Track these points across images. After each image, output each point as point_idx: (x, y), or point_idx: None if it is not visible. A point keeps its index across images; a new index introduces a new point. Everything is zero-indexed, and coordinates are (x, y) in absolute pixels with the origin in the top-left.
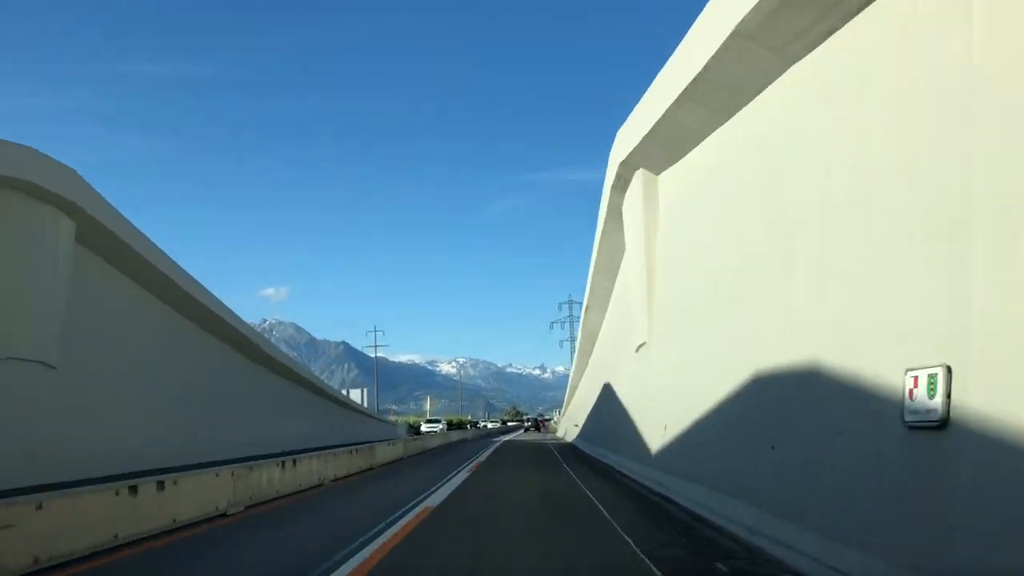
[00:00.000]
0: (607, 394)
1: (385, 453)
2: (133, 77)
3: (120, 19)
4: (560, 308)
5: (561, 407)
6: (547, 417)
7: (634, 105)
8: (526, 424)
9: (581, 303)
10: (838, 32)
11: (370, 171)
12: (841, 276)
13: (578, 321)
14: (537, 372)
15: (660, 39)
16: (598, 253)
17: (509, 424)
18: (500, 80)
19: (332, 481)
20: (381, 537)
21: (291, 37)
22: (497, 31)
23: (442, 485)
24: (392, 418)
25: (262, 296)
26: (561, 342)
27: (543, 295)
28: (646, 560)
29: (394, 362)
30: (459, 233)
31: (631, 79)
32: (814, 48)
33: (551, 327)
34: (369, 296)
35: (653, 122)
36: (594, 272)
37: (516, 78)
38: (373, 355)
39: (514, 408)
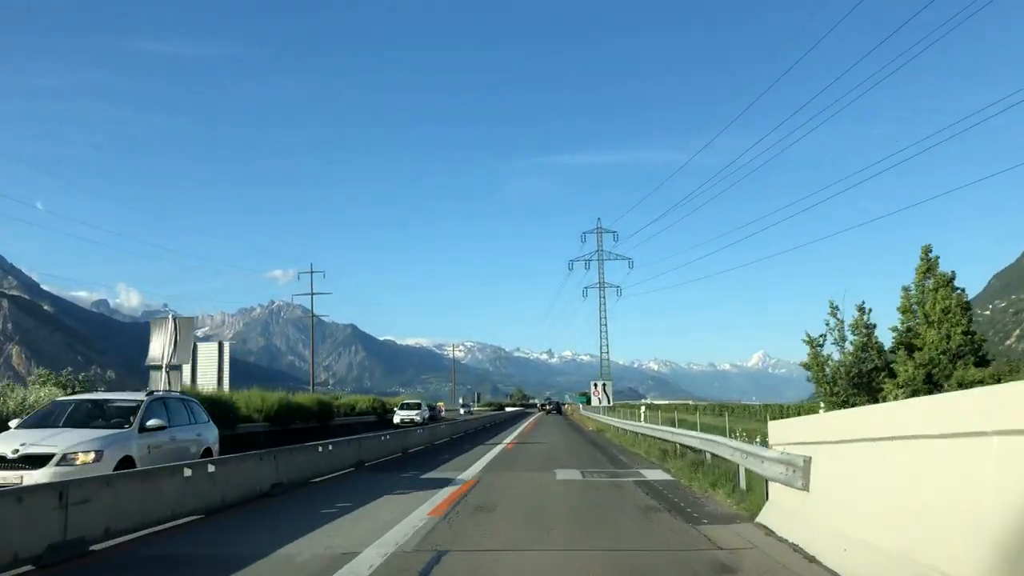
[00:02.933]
0: None
1: None
2: (141, 55)
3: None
4: (583, 240)
5: (569, 392)
6: (563, 402)
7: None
8: (547, 407)
9: (614, 231)
10: None
11: (382, 152)
12: None
13: (609, 257)
14: (545, 357)
15: (664, 30)
16: None
17: (508, 409)
18: (510, 65)
19: None
20: None
21: (299, 16)
22: (509, 12)
23: None
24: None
25: (270, 277)
26: (585, 289)
27: (552, 280)
28: None
29: (401, 345)
30: (471, 216)
31: (633, 70)
32: None
33: (570, 267)
34: (379, 279)
35: None
36: None
37: (525, 64)
38: (320, 310)
39: (520, 391)
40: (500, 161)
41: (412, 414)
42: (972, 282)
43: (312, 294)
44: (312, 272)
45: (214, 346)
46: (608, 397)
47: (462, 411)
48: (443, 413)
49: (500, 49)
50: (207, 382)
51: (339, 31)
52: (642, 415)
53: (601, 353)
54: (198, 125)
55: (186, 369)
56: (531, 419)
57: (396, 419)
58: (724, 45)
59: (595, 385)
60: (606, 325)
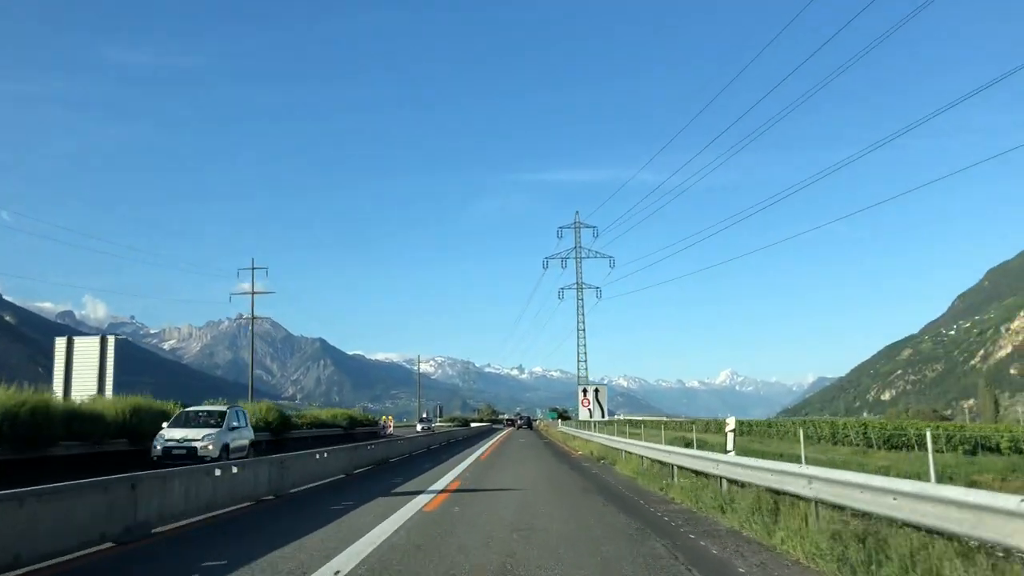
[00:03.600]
0: None
1: None
2: (110, 65)
3: (95, 6)
4: (559, 236)
5: (540, 408)
6: (534, 417)
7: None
8: (518, 422)
9: (593, 227)
10: None
11: (352, 167)
12: None
13: (589, 255)
14: (515, 372)
15: (629, 49)
16: None
17: (474, 424)
18: (479, 84)
19: None
20: None
21: (271, 29)
22: (478, 27)
23: None
24: None
25: (239, 291)
26: (561, 291)
27: (523, 296)
28: None
29: (371, 360)
30: (443, 231)
31: (599, 88)
32: None
33: (545, 265)
34: (349, 293)
35: None
36: None
37: (496, 81)
38: (257, 312)
39: (489, 407)
40: (472, 177)
41: (194, 438)
42: (936, 304)
43: (253, 293)
44: (253, 268)
45: (94, 342)
46: (603, 408)
47: (419, 427)
48: (389, 430)
49: (471, 66)
50: (84, 389)
51: (310, 46)
52: (730, 439)
53: (579, 358)
54: (167, 135)
55: (57, 373)
56: (498, 437)
57: (156, 449)
58: (700, 61)
59: (584, 392)
60: (584, 329)
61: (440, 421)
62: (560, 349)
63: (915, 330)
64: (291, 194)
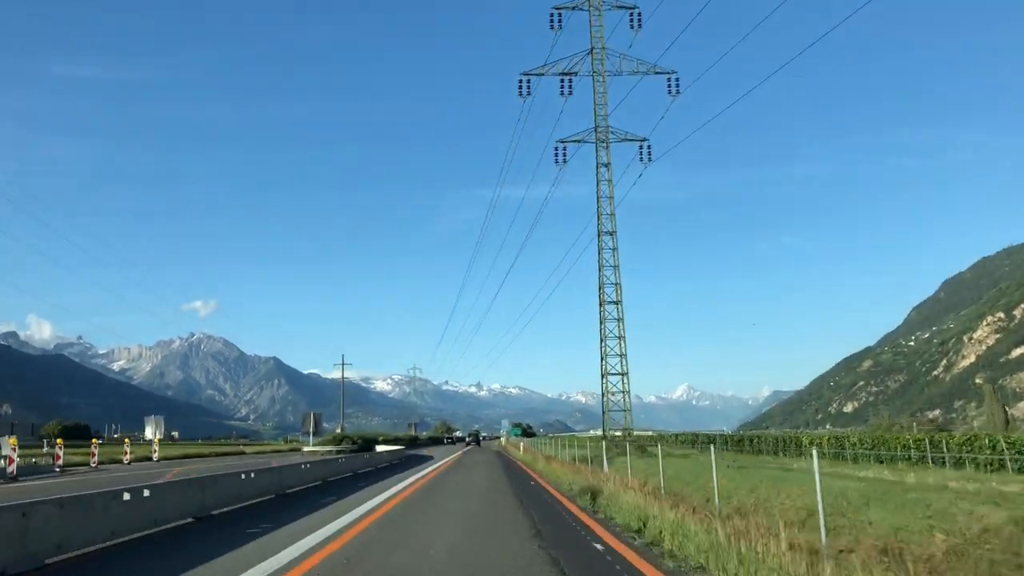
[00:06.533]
0: None
1: None
2: (54, 79)
3: (37, 20)
4: (555, 26)
5: (498, 425)
6: (487, 435)
7: None
8: (467, 439)
9: (633, 7)
10: None
11: (309, 183)
12: None
13: (621, 72)
14: (473, 390)
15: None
16: None
17: (382, 448)
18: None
19: None
20: None
21: (226, 42)
22: (434, 44)
23: None
24: None
25: (190, 309)
26: (560, 145)
27: (474, 311)
28: None
29: (326, 379)
30: (404, 249)
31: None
32: None
33: (523, 90)
34: (302, 311)
35: None
36: None
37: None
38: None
39: (444, 424)
40: (433, 193)
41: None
42: (892, 316)
43: None
44: None
45: None
46: None
47: None
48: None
49: (433, 83)
50: None
51: (268, 59)
52: None
53: (601, 265)
54: (117, 151)
55: None
56: (407, 484)
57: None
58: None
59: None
60: (613, 218)
61: (317, 443)
62: (512, 351)
63: (872, 342)
64: (245, 213)
